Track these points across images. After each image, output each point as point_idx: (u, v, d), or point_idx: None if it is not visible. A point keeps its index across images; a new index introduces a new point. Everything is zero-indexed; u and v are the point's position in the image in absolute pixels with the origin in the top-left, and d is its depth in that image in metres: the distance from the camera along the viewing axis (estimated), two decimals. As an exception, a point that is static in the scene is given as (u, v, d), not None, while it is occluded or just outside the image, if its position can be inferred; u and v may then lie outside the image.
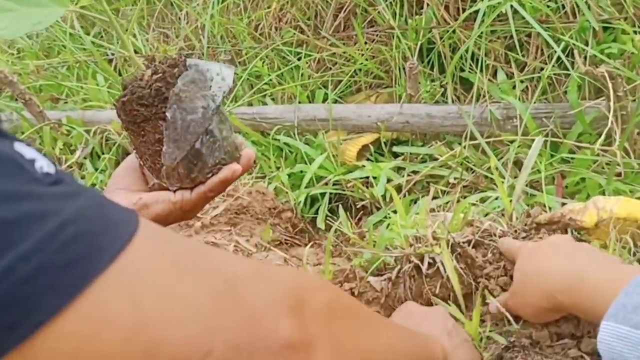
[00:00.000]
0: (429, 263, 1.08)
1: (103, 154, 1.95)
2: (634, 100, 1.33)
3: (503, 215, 1.14)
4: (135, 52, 2.12)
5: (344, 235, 1.52)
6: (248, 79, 1.99)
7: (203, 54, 2.06)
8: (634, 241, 0.99)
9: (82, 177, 1.91)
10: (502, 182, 1.17)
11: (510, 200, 1.15)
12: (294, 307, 0.38)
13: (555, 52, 1.42)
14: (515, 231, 1.11)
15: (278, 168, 1.73)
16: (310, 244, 1.42)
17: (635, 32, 1.36)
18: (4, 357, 0.29)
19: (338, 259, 1.41)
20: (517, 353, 0.86)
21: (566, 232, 1.06)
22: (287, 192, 1.63)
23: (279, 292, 0.38)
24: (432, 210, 1.47)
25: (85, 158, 1.98)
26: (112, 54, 2.12)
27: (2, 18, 0.75)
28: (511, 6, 1.49)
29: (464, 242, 1.08)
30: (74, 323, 0.30)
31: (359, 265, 1.23)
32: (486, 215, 1.18)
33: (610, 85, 1.22)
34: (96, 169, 1.92)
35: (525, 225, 1.10)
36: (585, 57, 1.41)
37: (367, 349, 0.47)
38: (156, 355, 0.31)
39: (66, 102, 2.20)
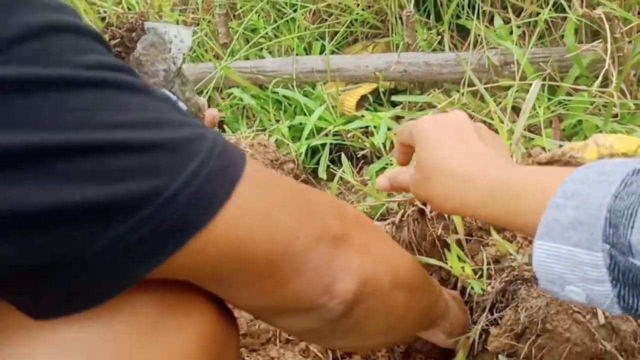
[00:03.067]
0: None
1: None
2: (630, 42, 1.35)
3: (503, 157, 1.16)
4: (129, 9, 2.10)
5: (346, 184, 1.55)
6: (244, 33, 1.98)
7: (197, 9, 2.04)
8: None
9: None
10: (502, 127, 1.19)
11: (510, 144, 1.17)
12: (338, 213, 0.57)
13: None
14: (516, 172, 1.14)
15: (278, 121, 1.74)
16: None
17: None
18: (202, 228, 0.44)
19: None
20: (520, 285, 0.90)
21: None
22: (288, 144, 1.65)
23: (332, 206, 0.58)
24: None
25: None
26: (105, 12, 2.10)
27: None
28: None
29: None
30: (235, 206, 0.46)
31: (363, 211, 1.26)
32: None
33: (607, 27, 1.24)
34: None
35: (527, 165, 1.13)
36: (582, 0, 1.42)
37: (384, 253, 0.64)
38: (277, 236, 0.50)
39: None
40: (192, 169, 0.43)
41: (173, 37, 0.76)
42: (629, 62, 1.29)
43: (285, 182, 0.55)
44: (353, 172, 1.57)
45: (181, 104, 0.50)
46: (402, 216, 1.17)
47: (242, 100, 1.81)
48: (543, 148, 1.20)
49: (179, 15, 2.12)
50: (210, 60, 1.90)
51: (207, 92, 1.82)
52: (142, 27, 0.74)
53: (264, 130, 1.76)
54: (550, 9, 1.48)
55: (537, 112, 1.44)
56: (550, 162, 1.10)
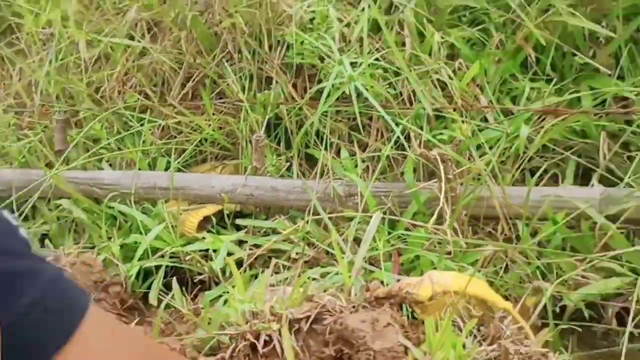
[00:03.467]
0: (265, 341, 1.02)
1: None
2: (462, 184, 1.43)
3: (342, 290, 1.12)
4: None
5: (178, 312, 1.41)
6: (84, 142, 1.85)
7: (34, 112, 1.89)
8: (465, 315, 1.02)
9: None
10: (343, 257, 1.16)
11: (350, 276, 1.14)
12: None
13: (394, 133, 1.49)
14: (354, 306, 1.09)
15: (110, 238, 1.59)
16: (137, 320, 1.28)
17: (463, 121, 1.48)
18: None
19: (169, 339, 1.29)
20: None
21: (401, 307, 1.07)
22: (117, 265, 1.49)
23: None
24: (272, 285, 1.43)
25: None
26: None
27: None
28: (355, 87, 1.56)
29: (302, 318, 1.04)
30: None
31: (191, 344, 1.13)
32: (326, 290, 1.16)
33: (441, 167, 1.30)
34: None
35: (365, 299, 1.09)
36: (420, 142, 1.50)
37: None
38: None
39: None
40: (24, 305, 0.40)
41: None
42: (461, 202, 1.35)
43: (129, 336, 0.52)
44: (187, 299, 1.44)
45: (22, 231, 0.44)
46: (233, 351, 1.06)
47: (71, 213, 1.65)
48: (382, 282, 1.18)
49: (13, 118, 1.95)
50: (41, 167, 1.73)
51: (30, 202, 1.63)
52: None
53: (93, 247, 1.59)
54: (392, 147, 1.55)
55: (377, 245, 1.44)
56: (388, 297, 1.07)
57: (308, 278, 1.19)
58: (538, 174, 1.52)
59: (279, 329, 1.01)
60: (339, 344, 1.00)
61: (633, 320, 1.35)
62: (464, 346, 0.99)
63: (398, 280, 1.35)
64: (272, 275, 1.46)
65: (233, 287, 1.41)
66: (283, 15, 1.72)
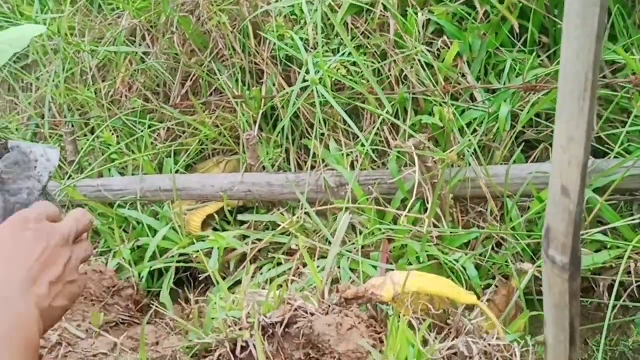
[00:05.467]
0: (242, 346, 1.10)
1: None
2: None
3: (316, 290, 1.17)
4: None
5: (182, 311, 1.51)
6: (100, 147, 1.95)
7: (44, 124, 2.00)
8: (423, 313, 1.05)
9: None
10: (313, 260, 1.21)
11: (324, 276, 1.19)
12: None
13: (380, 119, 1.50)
14: (328, 306, 1.15)
15: (123, 241, 1.70)
16: (146, 321, 1.38)
17: (442, 103, 1.47)
18: None
19: (176, 337, 1.39)
20: None
21: (371, 305, 1.12)
22: (129, 269, 1.60)
23: None
24: (271, 280, 1.50)
25: None
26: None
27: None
28: (343, 76, 1.57)
29: (275, 323, 1.11)
30: None
31: (183, 348, 1.22)
32: (302, 290, 1.21)
33: (415, 157, 1.31)
34: None
35: (336, 301, 1.14)
36: (404, 130, 1.50)
37: None
38: None
39: None
40: None
41: (39, 156, 0.76)
42: (437, 189, 1.36)
43: None
44: (193, 296, 1.53)
45: None
46: (218, 357, 1.14)
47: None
48: (353, 281, 1.22)
49: (29, 130, 2.08)
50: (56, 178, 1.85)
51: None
52: (5, 146, 0.74)
53: (109, 250, 1.71)
54: (376, 133, 1.56)
55: (372, 232, 1.48)
56: (356, 298, 1.12)
57: (284, 282, 1.24)
58: (521, 149, 1.51)
59: (253, 336, 1.08)
60: (308, 347, 1.06)
61: (625, 292, 1.35)
62: (426, 343, 1.03)
63: (387, 270, 1.39)
64: (274, 267, 1.54)
65: (237, 282, 1.51)
66: (265, 9, 1.74)
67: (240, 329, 1.11)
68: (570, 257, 0.59)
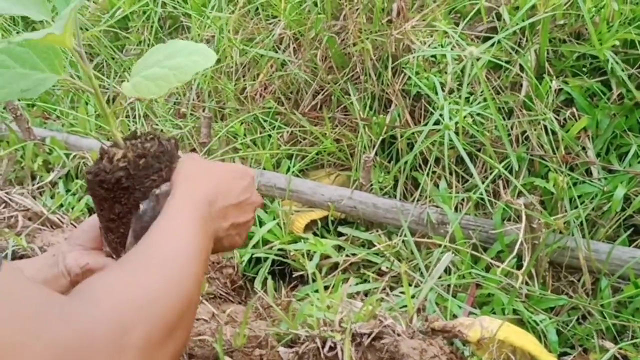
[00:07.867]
0: (330, 347, 1.21)
1: (77, 178, 2.08)
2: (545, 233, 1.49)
3: (405, 314, 1.27)
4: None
5: (278, 298, 1.64)
6: (227, 135, 2.14)
7: (188, 105, 2.22)
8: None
9: (52, 197, 2.03)
10: (410, 284, 1.31)
11: (415, 303, 1.29)
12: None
13: (493, 172, 1.58)
14: (414, 331, 1.24)
15: (232, 225, 1.86)
16: (237, 302, 1.53)
17: (558, 171, 1.53)
18: None
19: (263, 322, 1.53)
20: None
21: (452, 342, 1.20)
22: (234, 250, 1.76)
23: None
24: (357, 294, 1.61)
25: (60, 179, 2.11)
26: (107, 88, 2.28)
27: (-4, 75, 0.86)
28: (469, 124, 1.67)
29: (365, 333, 1.22)
30: None
31: (274, 334, 1.35)
32: (391, 309, 1.32)
33: (523, 216, 1.38)
34: (68, 191, 2.05)
35: (422, 328, 1.23)
36: (515, 187, 1.58)
37: None
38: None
39: (54, 122, 2.34)
40: None
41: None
42: (537, 250, 1.42)
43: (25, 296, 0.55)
44: (284, 290, 1.67)
45: None
46: (305, 348, 1.26)
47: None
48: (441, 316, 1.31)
49: (172, 107, 2.30)
50: (186, 154, 2.05)
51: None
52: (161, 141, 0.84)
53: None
54: (488, 185, 1.64)
55: (460, 274, 1.56)
56: (442, 331, 1.21)
57: (377, 300, 1.35)
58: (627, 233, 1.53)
59: (343, 339, 1.20)
60: (390, 363, 1.17)
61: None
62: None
63: (469, 313, 1.47)
64: (359, 283, 1.65)
65: (325, 287, 1.63)
66: (407, 44, 1.86)
67: (332, 331, 1.23)
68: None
